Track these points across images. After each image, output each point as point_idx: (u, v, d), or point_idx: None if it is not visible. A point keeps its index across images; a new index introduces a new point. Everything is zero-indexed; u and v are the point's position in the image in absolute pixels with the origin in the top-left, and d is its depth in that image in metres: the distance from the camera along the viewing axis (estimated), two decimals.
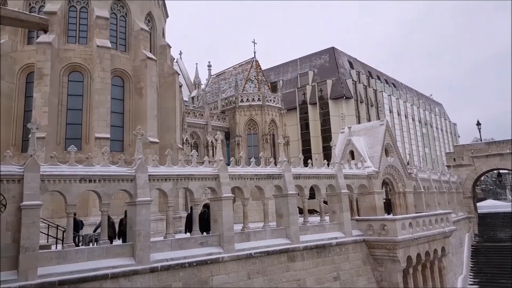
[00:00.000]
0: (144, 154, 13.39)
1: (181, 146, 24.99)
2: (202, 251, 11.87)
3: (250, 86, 34.75)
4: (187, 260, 11.28)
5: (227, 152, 31.35)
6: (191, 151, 18.46)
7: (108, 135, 19.76)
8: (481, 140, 38.97)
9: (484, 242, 30.01)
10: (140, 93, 21.89)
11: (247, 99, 32.94)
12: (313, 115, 44.95)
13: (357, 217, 18.23)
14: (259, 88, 34.10)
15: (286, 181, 14.96)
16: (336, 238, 16.11)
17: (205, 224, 13.24)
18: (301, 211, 16.63)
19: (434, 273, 18.68)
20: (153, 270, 10.55)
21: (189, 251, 11.57)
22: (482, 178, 44.50)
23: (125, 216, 11.91)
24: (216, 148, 15.49)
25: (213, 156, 26.42)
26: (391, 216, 18.98)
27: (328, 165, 18.04)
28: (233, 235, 12.72)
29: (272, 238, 14.17)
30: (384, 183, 21.31)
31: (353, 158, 20.91)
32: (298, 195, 15.96)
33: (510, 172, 39.87)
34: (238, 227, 13.87)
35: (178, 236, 12.98)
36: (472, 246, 29.09)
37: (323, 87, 45.14)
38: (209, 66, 43.80)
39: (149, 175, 11.40)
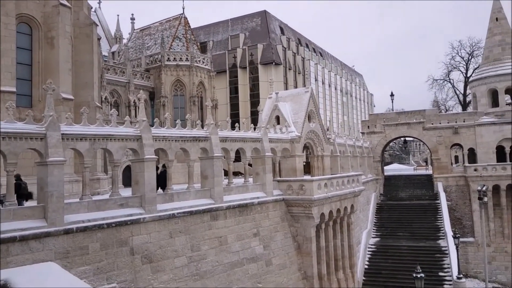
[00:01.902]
0: (57, 112, 12.53)
1: (100, 105, 23.51)
2: (123, 212, 11.69)
3: (178, 45, 33.43)
4: (106, 221, 11.06)
5: (151, 113, 30.32)
6: (110, 110, 17.58)
7: (13, 89, 17.83)
8: (393, 110, 42.48)
9: (388, 201, 33.55)
10: (52, 43, 19.80)
11: (174, 58, 31.72)
12: (243, 79, 45.00)
13: (279, 178, 19.16)
14: (187, 48, 32.99)
15: (213, 143, 15.08)
16: (258, 197, 16.84)
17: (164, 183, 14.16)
18: (226, 173, 17.06)
19: (343, 228, 20.52)
20: (67, 232, 10.20)
21: (108, 213, 11.33)
22: (391, 144, 48.97)
23: None
24: (138, 108, 14.89)
25: (135, 116, 25.42)
26: (309, 177, 20.20)
27: (254, 129, 18.53)
28: (155, 196, 12.68)
29: (196, 199, 14.37)
30: (305, 147, 22.50)
31: (278, 123, 21.66)
32: (224, 157, 16.26)
33: (415, 139, 44.16)
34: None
35: (96, 197, 12.61)
36: (377, 204, 32.33)
37: (254, 51, 45.10)
38: (133, 19, 40.77)
39: (63, 134, 10.72)
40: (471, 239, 30.66)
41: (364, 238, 26.24)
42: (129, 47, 36.61)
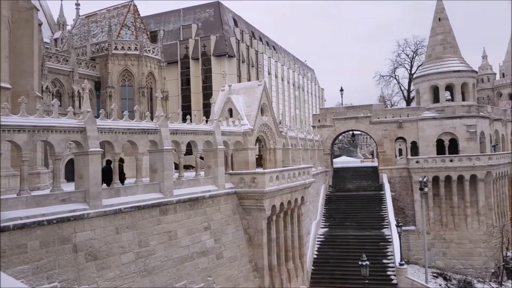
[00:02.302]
0: None
1: (40, 95, 22.03)
2: (65, 208, 11.10)
3: (126, 33, 32.11)
4: (46, 217, 10.44)
5: (96, 104, 28.92)
6: (52, 100, 16.59)
7: None
8: (342, 105, 43.81)
9: (336, 192, 34.70)
10: None
11: (122, 47, 30.45)
12: (195, 70, 44.28)
13: (231, 171, 19.12)
14: (136, 36, 31.80)
15: (163, 136, 14.68)
16: (209, 191, 16.68)
17: (120, 177, 13.99)
18: (177, 166, 16.73)
19: (294, 219, 20.94)
20: (3, 230, 9.51)
21: (48, 209, 10.70)
22: (340, 137, 50.62)
23: None
24: (83, 98, 14.15)
25: (79, 107, 24.17)
26: (261, 170, 20.35)
27: (206, 121, 18.29)
28: (100, 190, 12.15)
29: (144, 193, 13.95)
30: (258, 140, 22.61)
31: (231, 115, 21.56)
32: (175, 150, 15.92)
33: (362, 133, 45.90)
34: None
35: (35, 193, 11.87)
36: (326, 195, 33.33)
37: (207, 42, 44.48)
38: (77, 5, 38.47)
39: None
40: (412, 228, 32.49)
41: (314, 229, 26.97)
42: (74, 34, 34.62)
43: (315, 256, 25.37)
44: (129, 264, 12.41)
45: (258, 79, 40.39)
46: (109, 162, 14.00)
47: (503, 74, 79.84)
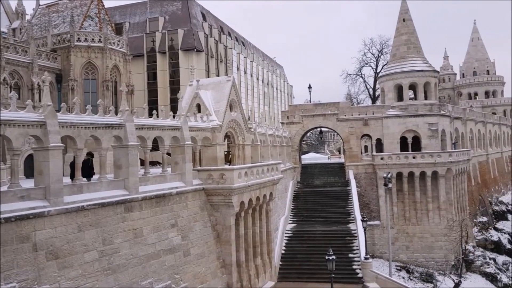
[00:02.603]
0: None
1: None
2: (24, 206, 10.59)
3: (90, 24, 30.97)
4: (3, 215, 9.92)
5: (58, 98, 27.79)
6: (10, 93, 15.77)
7: None
8: (310, 102, 44.33)
9: (304, 188, 35.10)
10: None
11: (86, 38, 29.35)
12: (162, 65, 43.41)
13: (199, 167, 18.89)
14: (100, 28, 30.75)
15: (128, 131, 14.27)
16: (176, 187, 16.41)
17: (89, 171, 13.94)
18: (143, 163, 16.33)
19: (262, 215, 21.00)
20: None
21: (6, 206, 10.16)
22: (308, 134, 51.26)
23: None
24: (43, 91, 13.52)
25: (39, 100, 23.11)
26: (229, 166, 20.24)
27: (174, 117, 17.96)
28: (62, 187, 11.66)
29: (108, 190, 13.56)
30: (227, 136, 22.47)
31: (199, 111, 21.29)
32: (141, 146, 15.54)
33: (330, 130, 46.63)
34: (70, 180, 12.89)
35: None
36: (294, 191, 33.63)
37: (174, 36, 43.68)
38: None
39: None
40: (377, 222, 33.34)
41: (282, 224, 27.16)
42: (33, 24, 33.01)
43: (283, 252, 25.56)
44: (93, 262, 12.03)
45: (227, 75, 40.19)
46: (90, 154, 13.64)
47: (463, 74, 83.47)
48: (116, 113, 14.80)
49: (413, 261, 32.23)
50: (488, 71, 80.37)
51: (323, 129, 45.89)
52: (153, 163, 30.32)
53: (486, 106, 73.00)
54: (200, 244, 16.79)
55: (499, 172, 61.57)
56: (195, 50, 42.55)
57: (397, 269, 30.47)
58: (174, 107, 32.07)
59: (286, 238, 26.99)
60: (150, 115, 16.98)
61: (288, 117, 37.62)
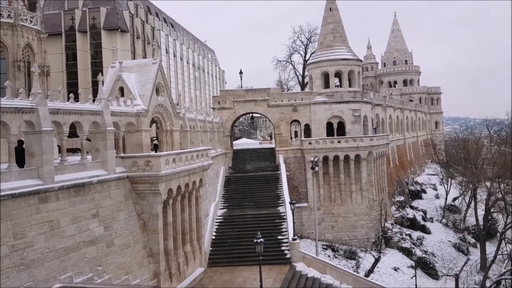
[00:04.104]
0: None
1: None
2: None
3: None
4: None
5: None
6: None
7: None
8: (242, 87, 44.40)
9: (235, 173, 35.30)
10: None
11: None
12: (83, 45, 40.49)
13: (123, 154, 18.03)
14: (10, 2, 27.72)
15: (40, 116, 13.07)
16: (98, 176, 15.51)
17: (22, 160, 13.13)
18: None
19: (192, 202, 20.72)
20: None
21: None
22: (240, 119, 51.45)
23: None
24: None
25: None
26: (156, 152, 19.59)
27: (94, 101, 16.84)
28: None
29: (19, 180, 12.39)
30: (153, 121, 21.65)
31: (122, 95, 20.20)
32: (57, 132, 14.39)
33: (261, 115, 47.13)
34: None
35: None
36: (225, 177, 33.68)
37: (96, 14, 40.86)
38: None
39: None
40: (305, 204, 34.67)
41: (212, 210, 27.08)
42: None
43: (214, 237, 25.55)
44: (3, 258, 11.00)
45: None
46: (21, 142, 12.61)
47: (384, 64, 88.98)
48: (28, 96, 13.50)
49: (338, 240, 34.13)
50: (406, 61, 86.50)
51: (255, 114, 46.21)
52: (74, 150, 28.48)
53: (404, 94, 78.72)
54: (125, 234, 16.13)
55: (415, 155, 67.14)
56: (119, 30, 40.18)
57: (324, 248, 32.07)
58: (96, 91, 30.07)
59: (217, 223, 27.00)
60: (68, 98, 15.75)
61: (219, 102, 37.34)
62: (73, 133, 17.63)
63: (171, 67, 50.01)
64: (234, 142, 42.84)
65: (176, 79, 51.23)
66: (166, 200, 17.87)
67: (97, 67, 39.14)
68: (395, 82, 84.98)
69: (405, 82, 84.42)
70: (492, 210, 40.47)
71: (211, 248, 24.50)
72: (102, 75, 20.30)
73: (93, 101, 16.87)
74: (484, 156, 50.50)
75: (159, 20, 51.63)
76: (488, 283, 32.40)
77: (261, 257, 18.30)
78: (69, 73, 39.81)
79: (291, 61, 57.63)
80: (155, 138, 23.15)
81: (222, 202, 30.18)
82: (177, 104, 25.01)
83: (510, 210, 36.38)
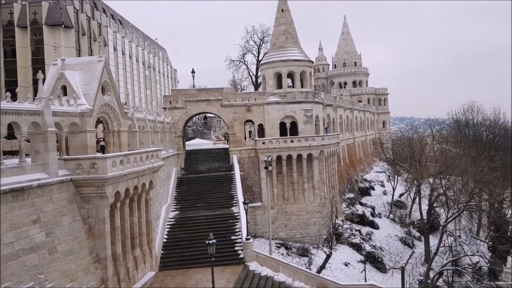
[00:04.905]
0: None
1: None
2: None
3: None
4: None
5: None
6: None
7: None
8: (194, 87, 43.75)
9: (188, 174, 34.70)
10: None
11: None
12: (23, 41, 38.10)
13: (66, 156, 17.10)
14: None
15: None
16: (38, 179, 14.56)
17: None
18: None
19: (141, 204, 20.09)
20: None
21: None
22: (194, 120, 50.73)
23: None
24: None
25: None
26: (101, 154, 18.79)
27: (34, 100, 15.80)
28: None
29: None
30: (99, 122, 20.75)
31: (65, 94, 19.15)
32: None
33: (215, 116, 46.78)
34: None
35: None
36: (178, 178, 33.03)
37: (38, 9, 38.60)
38: None
39: None
40: (259, 204, 34.84)
41: (164, 213, 26.44)
42: None
43: (165, 240, 24.96)
44: None
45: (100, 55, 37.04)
46: None
47: (335, 65, 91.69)
48: None
49: (291, 238, 34.64)
50: (355, 63, 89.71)
51: (208, 115, 45.78)
52: (13, 153, 26.74)
53: (354, 95, 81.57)
54: (68, 240, 15.30)
55: (364, 153, 69.74)
56: (63, 25, 38.13)
57: (277, 246, 32.39)
58: (38, 89, 28.45)
59: (169, 226, 26.39)
60: (5, 97, 14.66)
61: (170, 102, 36.55)
62: (12, 135, 16.49)
63: (120, 65, 48.28)
64: (187, 143, 42.15)
65: (124, 77, 49.53)
66: (113, 203, 17.17)
67: (38, 64, 36.93)
68: (345, 83, 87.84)
69: (354, 83, 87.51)
70: (434, 205, 42.83)
71: (162, 251, 23.91)
72: (44, 73, 19.13)
73: (33, 100, 15.84)
74: (427, 154, 53.44)
75: (107, 16, 49.67)
76: (431, 274, 34.27)
77: (214, 258, 18.16)
78: (8, 71, 37.25)
79: (245, 61, 57.69)
80: (102, 139, 22.19)
81: (174, 204, 29.55)
82: (125, 103, 24.14)
83: (451, 204, 38.69)
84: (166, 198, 28.56)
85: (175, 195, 30.71)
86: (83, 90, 19.12)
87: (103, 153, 20.37)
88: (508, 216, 47.34)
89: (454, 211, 37.88)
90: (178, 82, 76.77)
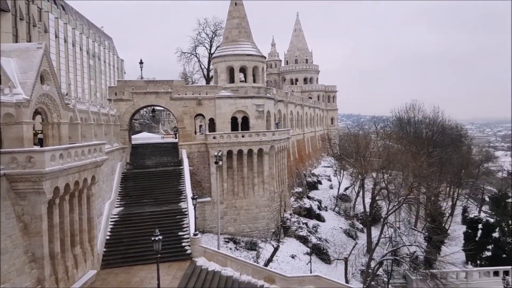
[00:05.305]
0: None
1: None
2: None
3: None
4: None
5: None
6: None
7: None
8: (142, 78, 42.39)
9: (134, 169, 33.62)
10: None
11: None
12: None
13: None
14: None
15: None
16: None
17: None
18: None
19: (82, 200, 19.24)
20: None
21: None
22: (141, 113, 49.14)
23: None
24: None
25: None
26: (39, 147, 17.73)
27: None
28: None
29: None
30: (38, 113, 19.55)
31: (0, 82, 17.80)
32: None
33: (164, 109, 45.75)
34: None
35: None
36: (123, 173, 31.92)
37: None
38: None
39: None
40: (208, 199, 34.63)
41: (107, 209, 25.48)
42: None
43: (108, 237, 24.08)
44: None
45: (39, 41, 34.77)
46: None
47: (287, 61, 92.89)
48: None
49: (240, 232, 34.83)
50: (307, 60, 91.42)
51: (157, 108, 44.60)
52: None
53: (305, 91, 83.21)
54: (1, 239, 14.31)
55: (313, 148, 71.54)
56: None
57: (226, 241, 32.45)
58: None
59: (112, 222, 25.49)
60: None
61: (116, 93, 35.15)
62: None
63: (62, 53, 45.62)
64: (133, 136, 40.83)
65: (67, 67, 46.91)
66: (52, 199, 16.29)
67: None
68: (297, 80, 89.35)
69: (305, 80, 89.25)
70: (377, 198, 44.94)
71: (105, 249, 23.08)
72: None
73: None
74: (372, 150, 55.88)
75: (48, 1, 46.69)
76: (372, 264, 36.02)
77: (160, 255, 17.83)
78: None
79: (196, 53, 56.72)
80: (40, 132, 20.92)
81: (118, 200, 28.55)
82: (67, 94, 22.94)
83: (392, 197, 40.79)
84: (110, 194, 27.53)
85: (120, 190, 29.67)
86: (19, 78, 17.89)
87: (41, 146, 19.21)
88: (443, 208, 50.93)
89: (395, 204, 39.98)
90: (125, 73, 74.01)
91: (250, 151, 35.67)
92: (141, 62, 40.78)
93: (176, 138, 42.42)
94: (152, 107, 42.79)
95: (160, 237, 17.61)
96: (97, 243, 21.24)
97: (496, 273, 40.01)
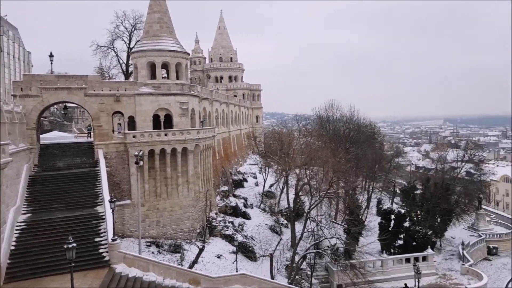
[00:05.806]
0: None
1: None
2: None
3: None
4: None
5: None
6: None
7: None
8: (52, 72, 38.83)
9: (43, 172, 30.57)
10: None
11: None
12: None
13: None
14: None
15: None
16: None
17: None
18: None
19: None
20: None
21: None
22: (52, 110, 44.95)
23: None
24: None
25: None
26: None
27: None
28: None
29: None
30: None
31: None
32: None
33: (77, 106, 42.43)
34: None
35: None
36: (30, 176, 28.83)
37: None
38: None
39: None
40: (128, 202, 32.82)
41: (12, 216, 22.80)
42: None
43: (13, 248, 21.57)
44: None
45: None
46: None
47: (211, 59, 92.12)
48: None
49: (163, 235, 33.53)
50: (231, 58, 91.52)
51: (69, 104, 41.15)
52: None
53: (230, 89, 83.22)
54: None
55: (238, 146, 71.82)
56: None
57: (147, 245, 31.02)
58: None
59: (18, 231, 22.89)
60: None
61: (22, 89, 31.70)
62: None
63: None
64: (42, 136, 37.28)
65: None
66: None
67: None
68: (222, 78, 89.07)
69: (230, 78, 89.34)
70: (300, 193, 46.35)
71: (9, 261, 20.63)
72: None
73: None
74: (295, 147, 57.57)
75: None
76: (296, 258, 37.03)
77: (74, 264, 16.37)
78: None
79: (114, 47, 53.48)
80: None
81: (25, 206, 25.74)
82: None
83: (314, 192, 42.34)
84: (15, 199, 24.69)
85: (27, 195, 26.78)
86: None
87: None
88: (360, 201, 54.22)
89: (316, 199, 41.56)
90: (32, 66, 67.49)
91: (173, 150, 34.54)
92: (51, 55, 37.32)
93: (91, 137, 39.65)
94: (64, 104, 39.42)
95: (74, 244, 16.18)
96: (0, 255, 18.87)
97: (408, 260, 43.57)
